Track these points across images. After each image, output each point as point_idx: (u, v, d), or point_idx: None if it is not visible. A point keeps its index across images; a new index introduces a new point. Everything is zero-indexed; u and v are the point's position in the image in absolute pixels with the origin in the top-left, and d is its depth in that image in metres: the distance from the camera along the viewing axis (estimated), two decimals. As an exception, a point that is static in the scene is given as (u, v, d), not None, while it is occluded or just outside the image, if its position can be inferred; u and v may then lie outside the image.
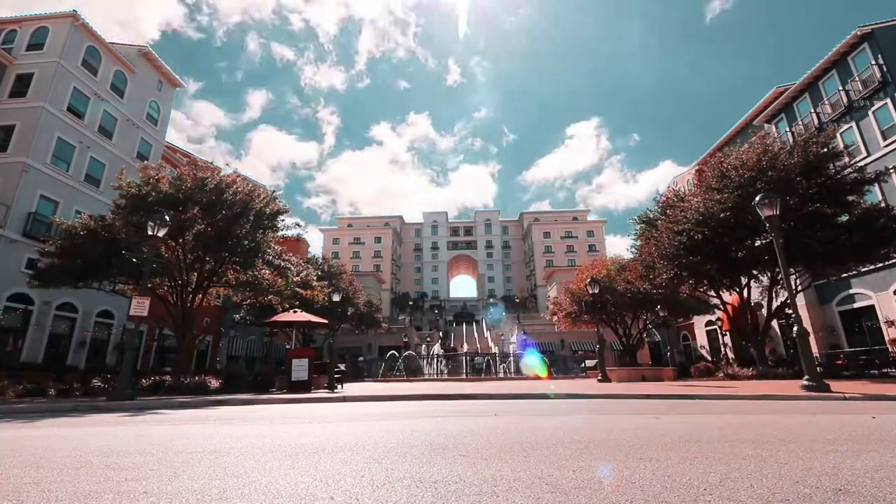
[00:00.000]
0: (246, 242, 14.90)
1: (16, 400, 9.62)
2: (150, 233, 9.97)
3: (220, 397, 9.49)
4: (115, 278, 15.50)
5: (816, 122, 22.09)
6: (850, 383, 10.49)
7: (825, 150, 14.65)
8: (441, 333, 50.50)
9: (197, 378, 12.19)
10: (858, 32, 19.68)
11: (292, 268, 18.06)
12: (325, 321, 16.74)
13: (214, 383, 12.41)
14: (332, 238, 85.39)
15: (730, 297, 19.10)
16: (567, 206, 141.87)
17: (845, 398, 6.89)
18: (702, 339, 30.59)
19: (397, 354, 27.36)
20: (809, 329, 14.22)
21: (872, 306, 18.93)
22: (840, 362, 18.42)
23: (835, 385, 8.79)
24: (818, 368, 11.55)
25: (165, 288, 16.00)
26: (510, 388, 11.79)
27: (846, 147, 19.11)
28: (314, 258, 36.80)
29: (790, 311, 9.26)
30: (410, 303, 72.72)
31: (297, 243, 32.47)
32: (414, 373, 26.31)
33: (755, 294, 17.69)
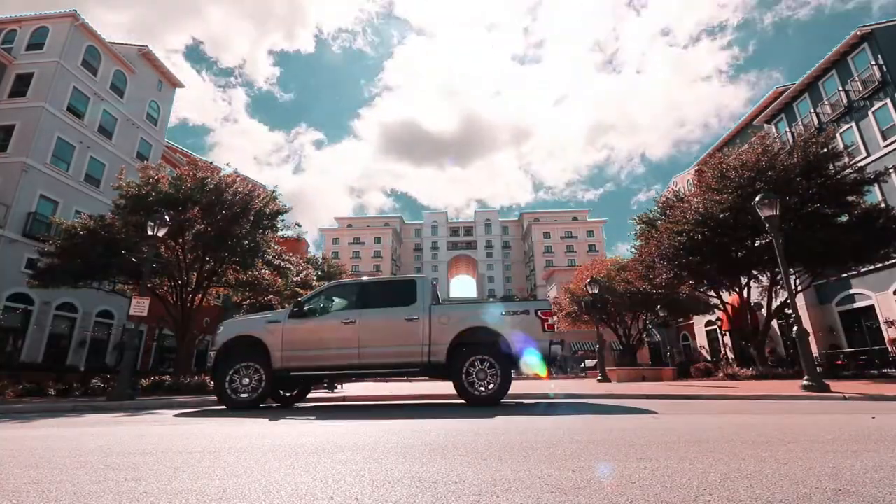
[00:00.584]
0: (246, 242, 14.89)
1: (15, 400, 9.62)
2: (149, 233, 9.97)
3: (219, 397, 9.47)
4: (115, 278, 15.50)
5: (816, 122, 22.11)
6: (850, 383, 10.49)
7: (825, 150, 14.66)
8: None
9: (197, 378, 12.18)
10: (858, 33, 19.69)
11: (292, 268, 18.06)
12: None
13: (214, 383, 12.38)
14: (332, 238, 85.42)
15: (730, 297, 19.11)
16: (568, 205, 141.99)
17: (845, 398, 6.90)
18: (702, 339, 30.61)
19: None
20: (809, 329, 14.23)
21: (872, 306, 18.95)
22: (840, 362, 18.44)
23: (835, 385, 8.79)
24: (818, 368, 11.56)
25: (165, 288, 16.00)
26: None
27: (846, 147, 19.12)
28: (314, 258, 36.79)
29: (790, 312, 9.27)
30: (410, 303, 72.56)
31: (297, 243, 32.46)
32: None
33: (755, 294, 17.70)
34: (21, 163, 19.74)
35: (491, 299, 67.02)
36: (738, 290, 17.29)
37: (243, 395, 6.54)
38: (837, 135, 19.89)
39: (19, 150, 20.10)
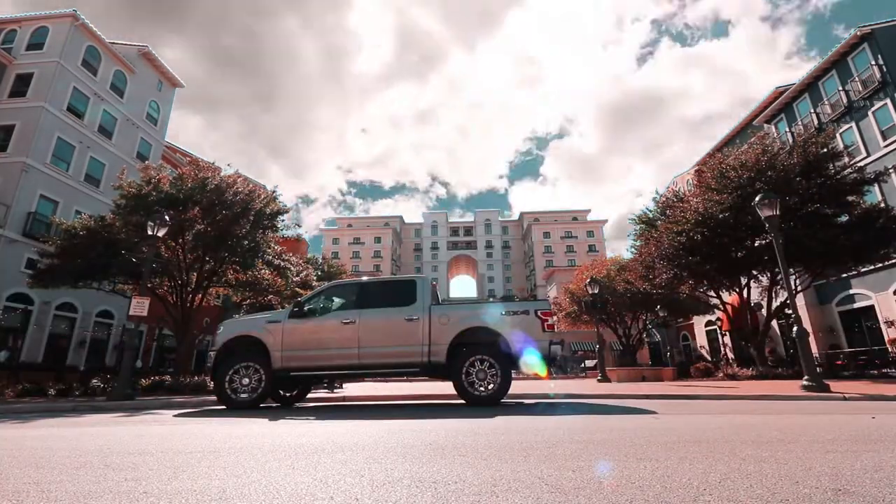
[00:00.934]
0: (246, 242, 14.89)
1: (15, 399, 9.62)
2: (150, 233, 9.97)
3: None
4: (114, 278, 15.50)
5: (816, 122, 22.11)
6: (850, 383, 10.49)
7: (825, 150, 14.66)
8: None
9: (196, 378, 12.18)
10: (858, 33, 19.69)
11: (292, 268, 18.06)
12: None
13: (214, 383, 12.37)
14: (332, 238, 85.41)
15: (729, 298, 19.11)
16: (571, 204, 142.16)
17: (845, 398, 6.90)
18: (702, 339, 30.61)
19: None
20: (809, 329, 14.23)
21: (872, 306, 18.94)
22: (840, 362, 18.44)
23: (834, 385, 8.79)
24: (818, 368, 11.55)
25: (165, 288, 16.00)
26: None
27: (846, 147, 19.13)
28: (314, 258, 36.80)
29: (790, 312, 9.27)
30: (410, 303, 72.56)
31: (297, 243, 32.46)
32: None
33: (755, 294, 17.70)
34: (21, 163, 19.74)
35: (491, 299, 66.99)
36: (737, 290, 17.29)
37: (243, 395, 6.53)
38: (837, 135, 19.89)
39: (19, 150, 20.10)
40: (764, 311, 17.17)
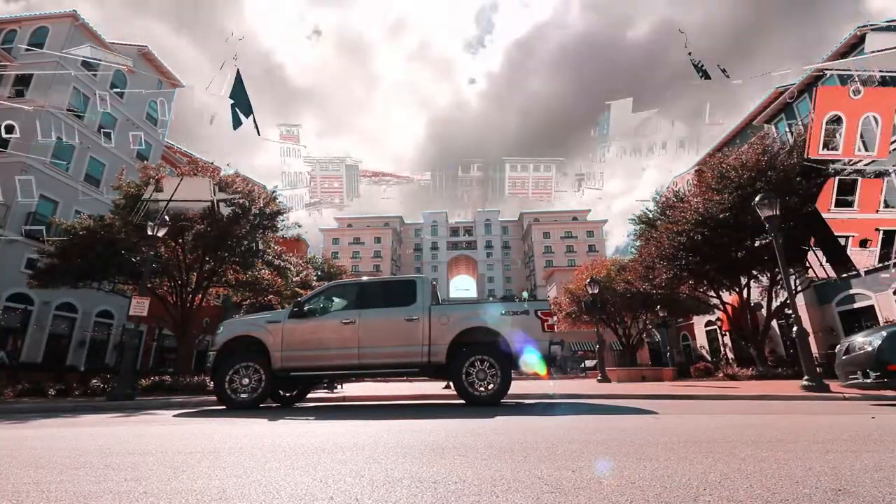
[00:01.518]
0: (245, 242, 14.90)
1: (15, 400, 9.61)
2: (149, 233, 9.97)
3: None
4: (114, 278, 15.51)
5: (816, 122, 22.07)
6: (850, 383, 10.47)
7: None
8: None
9: (196, 378, 12.18)
10: (858, 33, 19.68)
11: (292, 268, 18.08)
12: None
13: (214, 383, 12.37)
14: (332, 238, 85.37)
15: (729, 298, 19.11)
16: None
17: (845, 398, 6.90)
18: (701, 339, 30.60)
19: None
20: (809, 329, 14.23)
21: (872, 306, 18.93)
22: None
23: (834, 385, 8.79)
24: (817, 369, 11.55)
25: (165, 288, 16.01)
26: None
27: (846, 147, 19.09)
28: (314, 258, 36.80)
29: (790, 312, 9.27)
30: (410, 303, 72.54)
31: (297, 243, 32.46)
32: None
33: (755, 294, 17.69)
34: (21, 163, 19.74)
35: (491, 299, 66.94)
36: (737, 290, 17.28)
37: (243, 395, 6.53)
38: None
39: (19, 149, 20.09)
40: (764, 311, 17.16)
